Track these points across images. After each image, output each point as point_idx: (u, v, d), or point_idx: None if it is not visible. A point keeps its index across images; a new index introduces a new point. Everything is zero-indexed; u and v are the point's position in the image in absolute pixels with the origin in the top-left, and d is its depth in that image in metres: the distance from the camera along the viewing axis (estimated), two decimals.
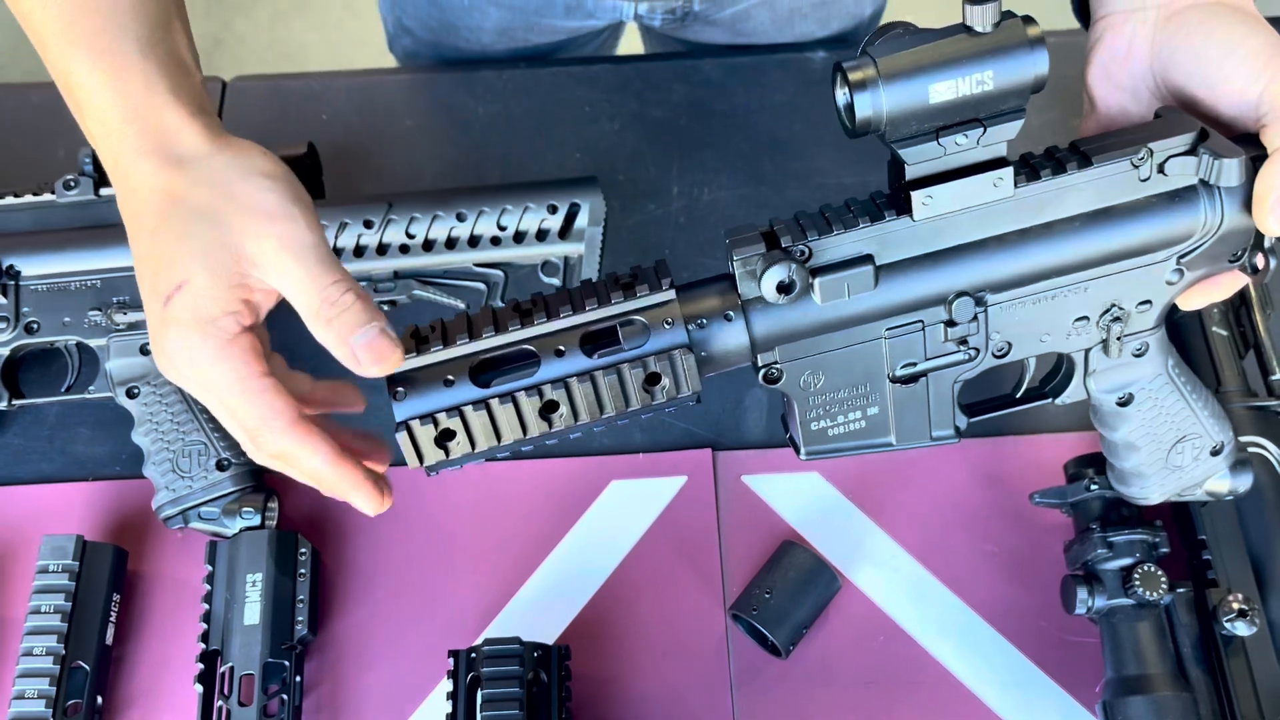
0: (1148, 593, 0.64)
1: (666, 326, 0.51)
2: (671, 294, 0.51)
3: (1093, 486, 0.67)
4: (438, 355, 0.50)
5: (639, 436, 0.77)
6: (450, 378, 0.49)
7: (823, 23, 0.94)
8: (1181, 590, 0.66)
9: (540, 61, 0.95)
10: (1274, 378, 0.71)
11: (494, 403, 0.49)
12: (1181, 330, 0.74)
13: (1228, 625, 0.63)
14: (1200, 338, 0.73)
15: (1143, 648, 0.64)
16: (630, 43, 1.11)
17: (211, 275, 0.48)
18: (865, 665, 0.70)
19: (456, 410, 0.49)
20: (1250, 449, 0.68)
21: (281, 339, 0.55)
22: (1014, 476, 0.74)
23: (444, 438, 0.50)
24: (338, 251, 0.72)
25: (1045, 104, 0.67)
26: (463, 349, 0.50)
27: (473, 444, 0.51)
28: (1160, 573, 0.64)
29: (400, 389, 0.49)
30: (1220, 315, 0.73)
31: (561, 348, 0.50)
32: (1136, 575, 0.64)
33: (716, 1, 0.92)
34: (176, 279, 0.49)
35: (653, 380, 0.51)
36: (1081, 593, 0.66)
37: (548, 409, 0.50)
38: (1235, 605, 0.63)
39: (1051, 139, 0.55)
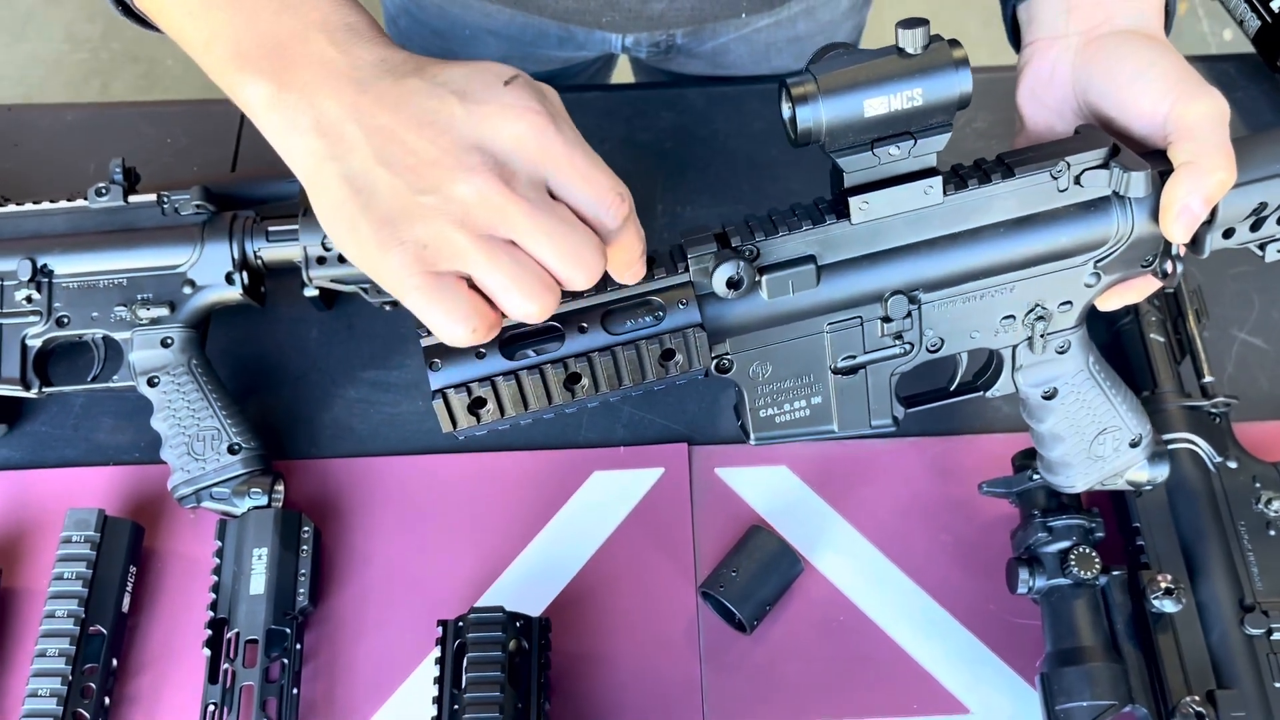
0: (1083, 572, 0.69)
1: (681, 307, 0.54)
2: (687, 276, 0.55)
3: (1035, 476, 0.72)
4: None
5: (621, 432, 0.82)
6: (482, 351, 0.53)
7: (798, 58, 1.01)
8: (1117, 573, 0.70)
9: None
10: (1206, 380, 0.77)
11: (522, 374, 0.53)
12: (1122, 337, 0.80)
13: (1155, 603, 0.67)
14: (1139, 344, 0.79)
15: (1078, 623, 0.69)
16: (623, 74, 1.19)
17: None
18: (825, 643, 0.74)
19: (488, 380, 0.53)
20: (1183, 444, 0.74)
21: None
22: (967, 471, 0.79)
23: (476, 405, 0.54)
24: (341, 258, 0.77)
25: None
26: None
27: (502, 411, 0.54)
28: (1094, 554, 0.69)
29: (436, 360, 0.53)
30: (1158, 323, 0.79)
31: (584, 324, 0.54)
32: (1073, 556, 0.69)
33: (697, 36, 0.98)
34: (511, 69, 0.50)
35: (667, 356, 0.55)
36: (1023, 573, 0.71)
37: (571, 380, 0.54)
38: (1163, 584, 0.68)
39: None
